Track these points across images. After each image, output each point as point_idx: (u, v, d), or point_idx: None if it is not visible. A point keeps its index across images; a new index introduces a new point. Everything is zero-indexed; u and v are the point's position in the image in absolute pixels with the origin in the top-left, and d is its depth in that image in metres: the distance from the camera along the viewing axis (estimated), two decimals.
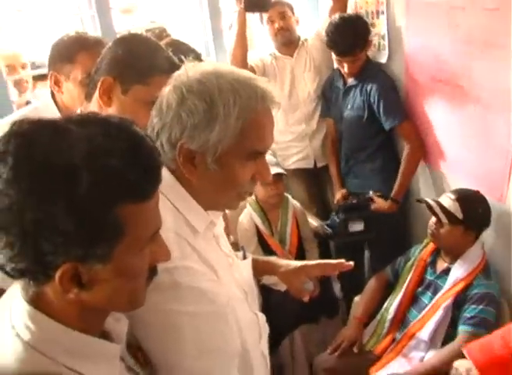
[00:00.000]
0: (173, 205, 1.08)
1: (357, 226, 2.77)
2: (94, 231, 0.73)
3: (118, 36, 1.54)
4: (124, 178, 0.75)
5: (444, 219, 2.12)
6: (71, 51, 1.84)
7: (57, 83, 1.88)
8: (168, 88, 1.07)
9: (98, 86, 1.40)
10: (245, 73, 1.08)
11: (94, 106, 1.44)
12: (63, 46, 1.88)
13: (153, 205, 0.82)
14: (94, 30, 2.86)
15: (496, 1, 1.97)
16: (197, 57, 2.17)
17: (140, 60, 1.39)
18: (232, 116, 1.02)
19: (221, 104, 1.01)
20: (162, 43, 2.26)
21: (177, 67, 1.38)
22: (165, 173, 1.04)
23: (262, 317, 1.33)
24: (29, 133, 0.73)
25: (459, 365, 1.67)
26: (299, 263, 1.51)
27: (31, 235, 0.71)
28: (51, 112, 1.86)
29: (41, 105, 1.98)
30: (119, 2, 2.95)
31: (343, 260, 1.47)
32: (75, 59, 1.83)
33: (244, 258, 1.50)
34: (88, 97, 1.47)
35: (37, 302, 0.79)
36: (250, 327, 1.24)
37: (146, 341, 1.01)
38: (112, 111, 1.40)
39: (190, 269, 1.02)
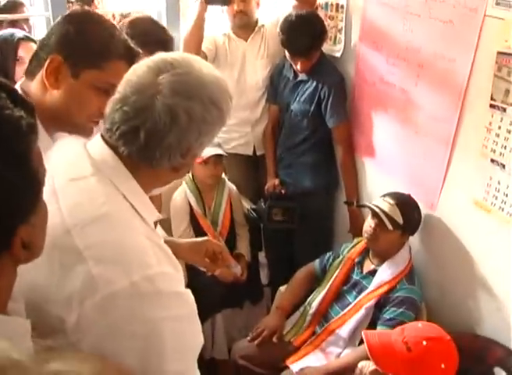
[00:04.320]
0: (133, 208, 1.04)
1: (280, 216, 2.82)
2: None
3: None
4: None
5: (389, 226, 2.13)
6: None
7: None
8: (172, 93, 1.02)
9: (45, 65, 1.29)
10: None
11: (36, 85, 1.34)
12: None
13: None
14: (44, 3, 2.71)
15: (450, 15, 2.00)
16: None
17: (95, 42, 1.30)
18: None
19: (226, 108, 1.11)
20: (126, 21, 2.15)
21: (135, 53, 1.33)
22: (118, 164, 1.04)
23: None
24: None
25: (363, 365, 1.73)
26: (199, 239, 1.62)
27: None
28: None
29: None
30: None
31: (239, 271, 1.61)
32: None
33: None
34: (29, 74, 1.36)
35: None
36: None
37: (122, 353, 0.94)
38: (58, 94, 1.31)
39: (166, 275, 1.01)
